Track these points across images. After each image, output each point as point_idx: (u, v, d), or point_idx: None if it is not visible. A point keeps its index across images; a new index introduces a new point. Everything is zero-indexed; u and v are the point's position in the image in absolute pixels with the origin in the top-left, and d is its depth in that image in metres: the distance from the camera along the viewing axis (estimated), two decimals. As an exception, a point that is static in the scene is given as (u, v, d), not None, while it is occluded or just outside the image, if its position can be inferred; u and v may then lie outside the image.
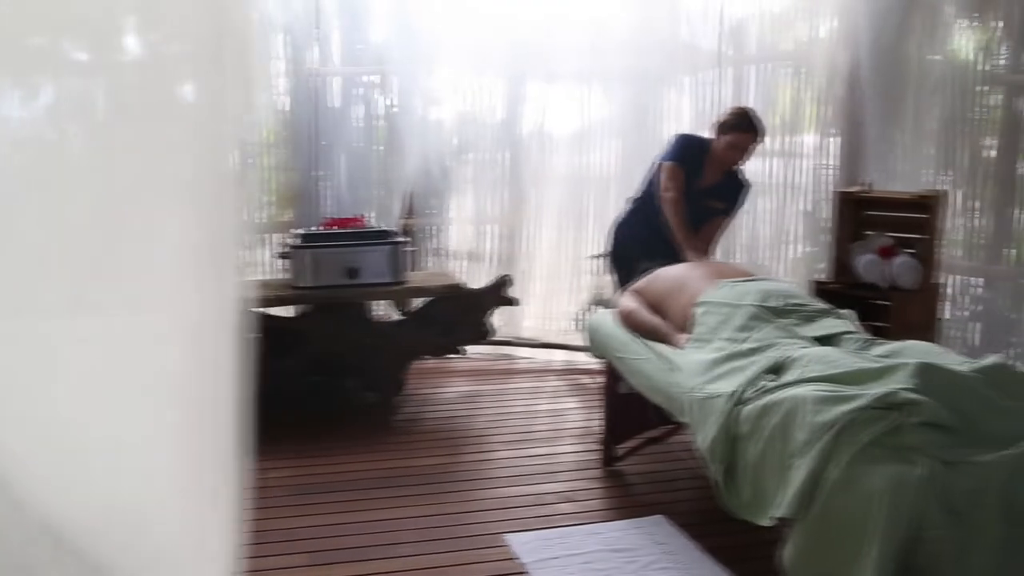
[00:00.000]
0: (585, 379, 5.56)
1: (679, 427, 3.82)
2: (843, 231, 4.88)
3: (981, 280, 5.05)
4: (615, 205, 5.33)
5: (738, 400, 2.96)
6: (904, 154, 5.21)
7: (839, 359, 2.95)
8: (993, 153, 4.90)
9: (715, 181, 4.77)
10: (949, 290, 5.06)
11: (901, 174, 5.16)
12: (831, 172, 5.47)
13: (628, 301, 4.05)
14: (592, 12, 5.72)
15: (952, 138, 5.01)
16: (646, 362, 3.67)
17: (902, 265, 4.52)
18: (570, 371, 5.80)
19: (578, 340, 5.30)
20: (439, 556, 3.45)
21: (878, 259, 4.59)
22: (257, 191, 5.68)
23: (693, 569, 3.34)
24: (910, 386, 2.62)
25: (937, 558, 2.36)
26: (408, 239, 5.26)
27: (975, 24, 4.96)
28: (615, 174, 5.92)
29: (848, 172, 5.34)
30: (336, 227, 5.00)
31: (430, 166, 5.80)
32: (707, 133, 4.85)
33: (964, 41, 5.02)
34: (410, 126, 5.70)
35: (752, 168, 5.20)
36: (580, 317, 5.77)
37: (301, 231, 4.99)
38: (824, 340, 3.33)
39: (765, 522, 2.74)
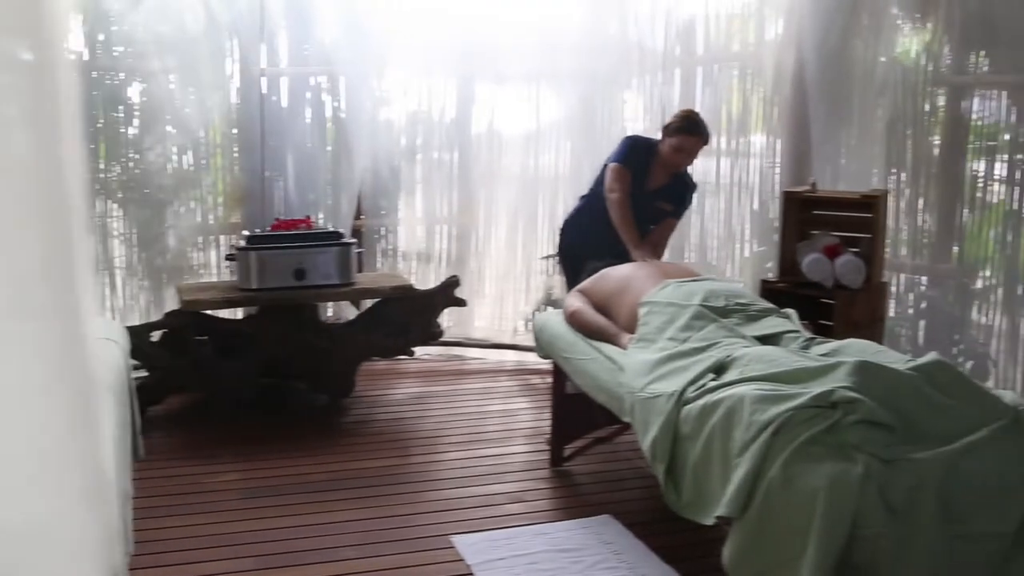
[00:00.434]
0: (536, 379, 5.56)
1: (626, 427, 3.83)
2: (790, 231, 4.92)
3: (926, 278, 5.11)
4: (566, 205, 5.34)
5: (680, 400, 2.97)
6: (851, 154, 5.26)
7: (779, 358, 2.96)
8: (938, 153, 4.96)
9: (663, 183, 4.79)
10: (894, 288, 5.12)
11: (850, 174, 5.21)
12: (779, 172, 5.51)
13: (574, 301, 4.05)
14: (542, 12, 5.72)
15: (898, 138, 5.06)
16: (591, 362, 3.68)
17: (846, 264, 4.56)
18: (521, 371, 5.80)
19: (529, 340, 5.30)
20: (384, 559, 3.44)
21: (823, 258, 4.63)
22: (208, 192, 5.65)
23: (639, 568, 3.35)
24: (848, 384, 2.63)
25: (875, 555, 2.37)
26: (356, 240, 5.24)
27: (918, 26, 5.02)
28: (566, 174, 5.93)
29: (795, 172, 5.38)
30: (283, 229, 4.96)
31: (380, 167, 5.78)
32: (658, 135, 4.86)
33: (909, 43, 5.08)
34: (359, 127, 5.66)
35: (702, 168, 5.23)
36: (531, 317, 5.77)
37: (247, 233, 4.96)
38: (766, 339, 3.35)
39: (708, 521, 2.76)
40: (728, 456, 2.67)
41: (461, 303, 5.25)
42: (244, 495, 3.97)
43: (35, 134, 1.17)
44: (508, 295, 6.12)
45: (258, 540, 3.58)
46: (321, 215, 5.69)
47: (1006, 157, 4.71)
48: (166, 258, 5.50)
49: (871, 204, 4.62)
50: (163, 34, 5.25)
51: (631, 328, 3.67)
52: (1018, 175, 4.65)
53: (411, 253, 6.13)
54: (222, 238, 5.66)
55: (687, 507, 2.90)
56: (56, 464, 1.24)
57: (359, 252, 5.22)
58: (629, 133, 5.24)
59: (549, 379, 4.40)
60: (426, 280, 5.82)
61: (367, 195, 5.83)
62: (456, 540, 3.56)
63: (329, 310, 5.88)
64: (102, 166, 5.36)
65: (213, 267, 5.67)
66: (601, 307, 3.95)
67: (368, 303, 5.23)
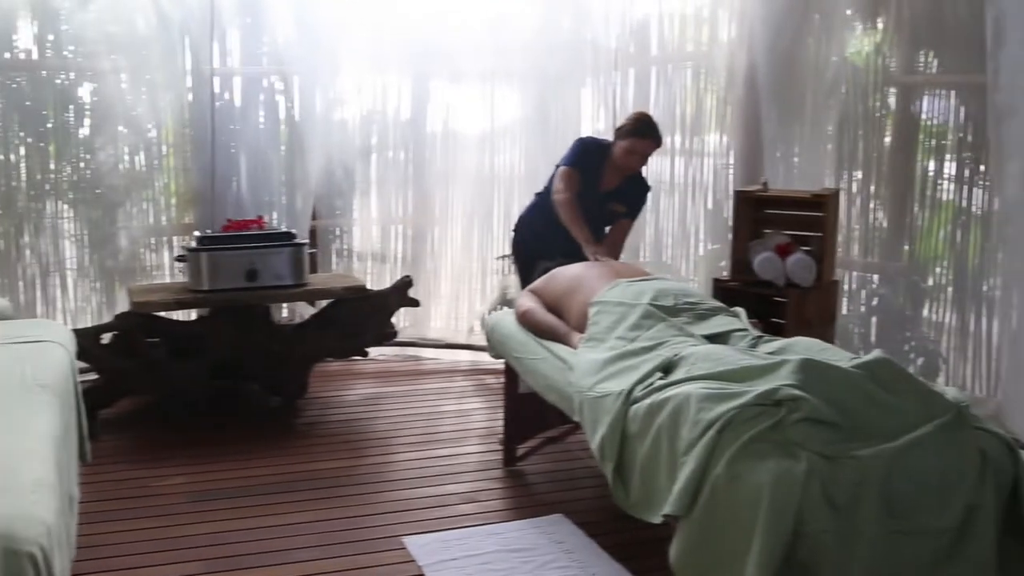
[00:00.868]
0: (491, 379, 5.55)
1: (577, 426, 3.82)
2: (742, 230, 4.94)
3: (877, 276, 5.16)
4: (521, 205, 5.33)
5: (628, 399, 2.97)
6: (804, 153, 5.30)
7: (725, 356, 2.97)
8: (889, 152, 5.01)
9: (615, 184, 4.80)
10: (847, 286, 5.16)
11: (803, 173, 5.24)
12: (732, 171, 5.54)
13: (526, 301, 4.05)
14: (496, 11, 5.71)
15: (850, 138, 5.11)
16: (542, 362, 3.68)
17: (797, 263, 4.59)
18: (476, 371, 5.79)
19: (484, 340, 5.30)
20: (335, 561, 3.41)
21: (774, 257, 4.65)
22: (160, 193, 5.59)
23: (591, 567, 3.35)
24: (792, 382, 2.64)
25: (818, 552, 2.38)
26: (308, 241, 5.20)
27: (869, 26, 5.06)
28: (521, 174, 5.93)
29: (748, 172, 5.41)
30: (235, 229, 4.92)
31: (334, 167, 5.74)
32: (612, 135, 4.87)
33: (859, 43, 5.12)
34: (313, 126, 5.62)
35: (657, 167, 5.24)
36: (487, 317, 5.75)
37: (198, 233, 4.91)
38: (715, 338, 3.37)
39: (655, 519, 2.76)
40: (675, 454, 2.67)
41: (415, 303, 5.23)
42: (193, 498, 3.93)
43: None
44: (464, 295, 6.11)
45: (206, 544, 3.53)
46: (275, 215, 5.65)
47: (955, 156, 4.77)
48: (118, 259, 5.43)
49: (822, 203, 4.65)
50: (114, 33, 5.18)
51: (582, 327, 3.67)
52: (967, 174, 4.70)
53: (366, 253, 6.10)
54: (175, 239, 5.59)
55: (635, 506, 2.90)
56: None
57: (312, 252, 5.18)
58: (583, 133, 5.25)
59: (503, 379, 4.39)
60: (382, 280, 5.79)
61: (322, 195, 5.79)
62: (408, 541, 3.55)
63: (284, 311, 5.83)
64: (53, 166, 5.28)
65: (166, 268, 5.60)
66: (552, 307, 3.95)
67: (323, 303, 5.20)
